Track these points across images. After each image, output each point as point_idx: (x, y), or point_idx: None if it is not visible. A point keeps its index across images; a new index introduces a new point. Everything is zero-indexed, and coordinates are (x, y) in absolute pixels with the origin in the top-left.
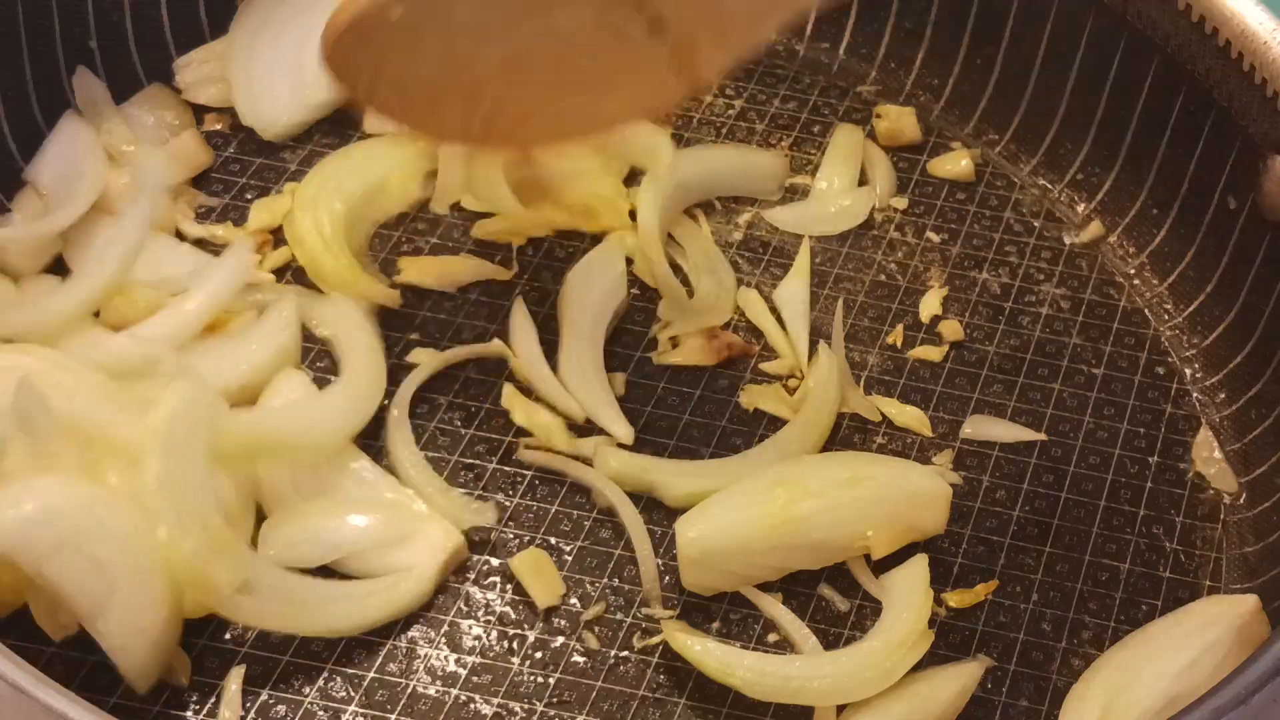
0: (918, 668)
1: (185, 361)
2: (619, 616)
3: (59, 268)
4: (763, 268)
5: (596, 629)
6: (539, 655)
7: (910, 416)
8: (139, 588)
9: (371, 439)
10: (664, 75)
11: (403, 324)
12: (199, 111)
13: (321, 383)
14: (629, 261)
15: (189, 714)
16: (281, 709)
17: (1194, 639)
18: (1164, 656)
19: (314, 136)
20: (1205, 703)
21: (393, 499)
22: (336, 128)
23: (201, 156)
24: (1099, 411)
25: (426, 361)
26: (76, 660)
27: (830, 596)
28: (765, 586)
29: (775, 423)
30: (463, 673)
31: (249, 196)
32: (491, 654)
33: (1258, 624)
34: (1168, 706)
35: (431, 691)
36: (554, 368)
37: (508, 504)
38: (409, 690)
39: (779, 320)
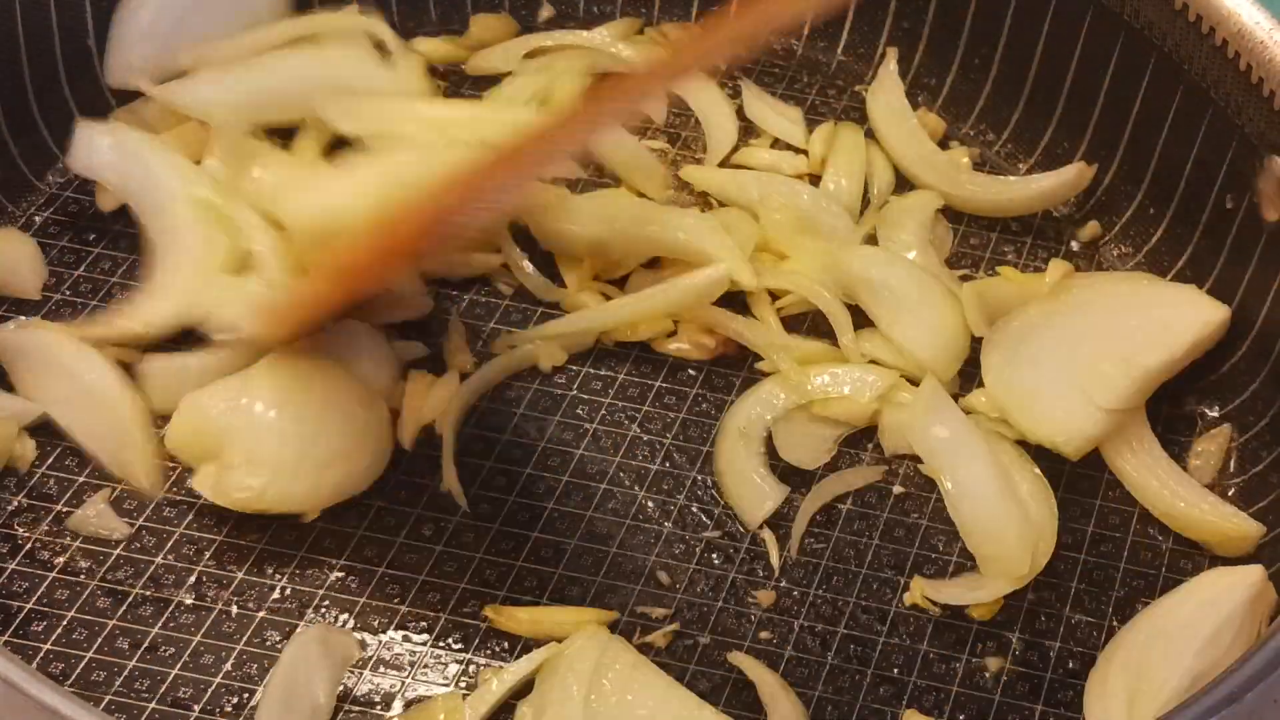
0: None
1: None
2: None
3: None
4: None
5: None
6: None
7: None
8: None
9: None
10: None
11: None
12: None
13: None
14: None
15: (189, 714)
16: None
17: (1207, 614)
18: (1181, 635)
19: None
20: (1200, 701)
21: None
22: None
23: None
24: None
25: None
26: (73, 657)
27: None
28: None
29: None
30: None
31: None
32: None
33: (1267, 593)
34: (1193, 684)
35: None
36: None
37: None
38: None
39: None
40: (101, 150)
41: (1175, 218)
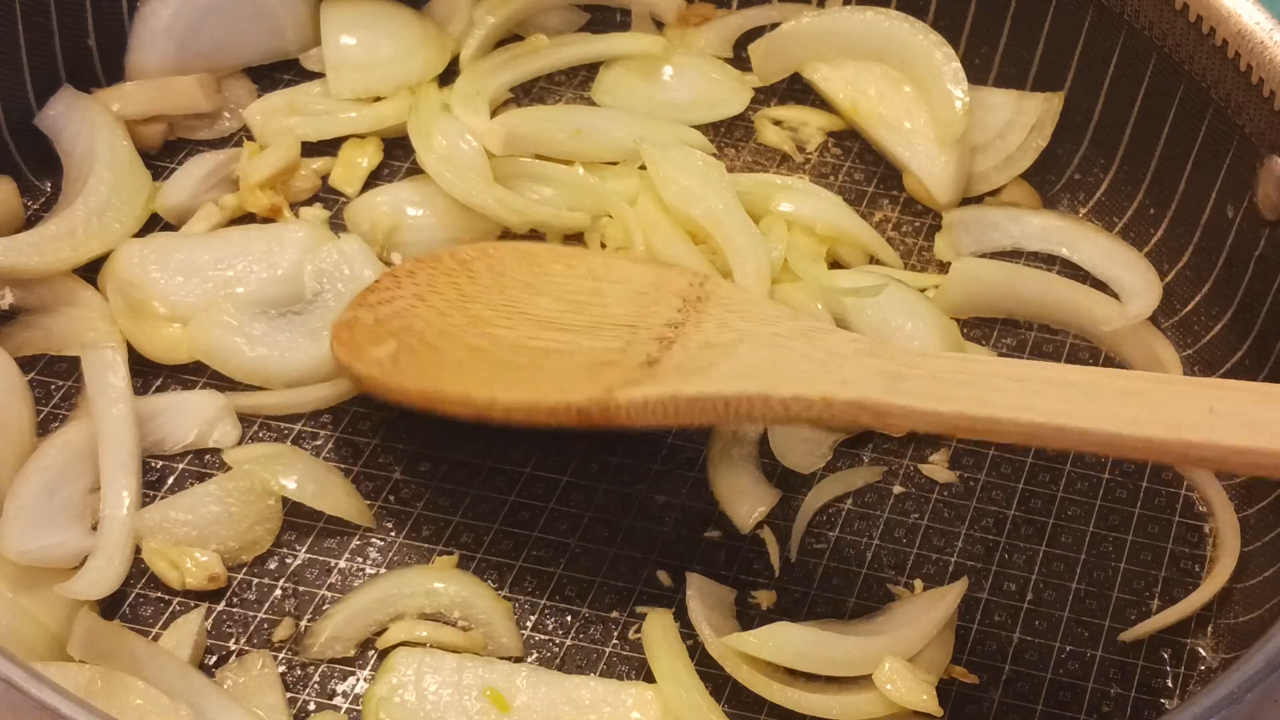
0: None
1: None
2: None
3: None
4: None
5: None
6: None
7: None
8: None
9: None
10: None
11: None
12: None
13: None
14: None
15: None
16: None
17: None
18: None
19: None
20: (1199, 701)
21: None
22: None
23: None
24: None
25: None
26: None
27: None
28: None
29: None
30: None
31: None
32: None
33: None
34: None
35: None
36: None
37: None
38: None
39: None
40: (70, 115)
41: (1175, 218)
